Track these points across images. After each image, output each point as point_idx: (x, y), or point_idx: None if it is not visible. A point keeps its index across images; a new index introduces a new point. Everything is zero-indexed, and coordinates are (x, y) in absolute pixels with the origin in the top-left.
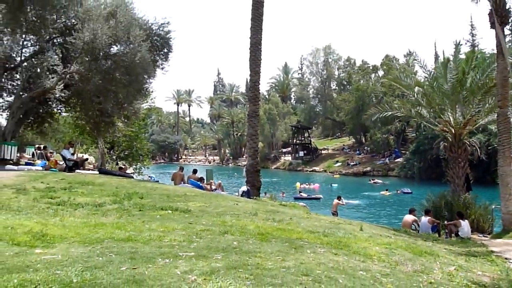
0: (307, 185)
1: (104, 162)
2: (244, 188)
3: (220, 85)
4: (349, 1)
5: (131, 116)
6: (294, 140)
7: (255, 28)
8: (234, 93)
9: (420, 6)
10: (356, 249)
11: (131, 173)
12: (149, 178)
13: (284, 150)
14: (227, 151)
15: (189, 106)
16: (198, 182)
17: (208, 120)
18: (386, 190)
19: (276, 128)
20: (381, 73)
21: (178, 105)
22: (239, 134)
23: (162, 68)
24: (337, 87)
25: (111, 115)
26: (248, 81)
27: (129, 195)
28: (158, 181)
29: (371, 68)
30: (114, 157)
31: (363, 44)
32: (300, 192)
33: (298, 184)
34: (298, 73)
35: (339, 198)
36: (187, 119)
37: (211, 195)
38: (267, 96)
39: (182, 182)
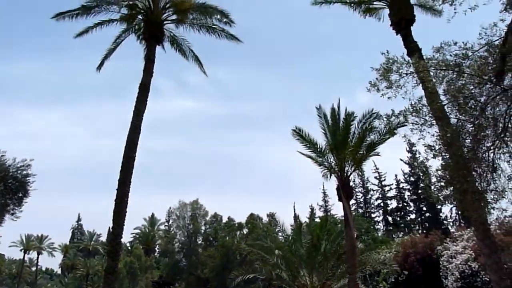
0: None
1: None
2: None
3: (79, 232)
4: (213, 158)
5: None
6: None
7: (123, 180)
8: (93, 242)
9: (279, 168)
10: None
11: None
12: None
13: None
14: None
15: (38, 254)
16: None
17: (59, 271)
18: None
19: (136, 283)
20: (246, 231)
21: (25, 253)
22: None
23: (13, 214)
24: (203, 242)
25: None
26: (110, 233)
27: None
28: None
29: (236, 225)
30: None
31: (230, 201)
32: None
33: None
34: (165, 225)
35: None
36: (34, 268)
37: None
38: (129, 248)
39: None
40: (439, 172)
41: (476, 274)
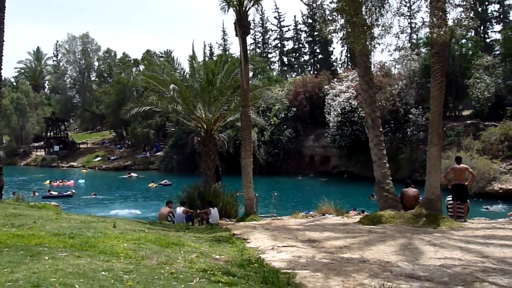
0: (60, 182)
1: None
2: None
3: None
4: None
5: None
6: (48, 134)
7: None
8: None
9: (180, 5)
10: (103, 248)
11: None
12: None
13: (36, 144)
14: None
15: None
16: None
17: None
18: (152, 182)
19: (26, 120)
20: (142, 67)
21: None
22: None
23: None
24: (97, 79)
25: None
26: None
27: None
28: None
29: (132, 61)
30: None
31: (124, 37)
32: (49, 190)
33: (48, 181)
34: (54, 60)
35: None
36: None
37: None
38: (15, 84)
39: None
40: (332, 5)
41: (354, 110)
